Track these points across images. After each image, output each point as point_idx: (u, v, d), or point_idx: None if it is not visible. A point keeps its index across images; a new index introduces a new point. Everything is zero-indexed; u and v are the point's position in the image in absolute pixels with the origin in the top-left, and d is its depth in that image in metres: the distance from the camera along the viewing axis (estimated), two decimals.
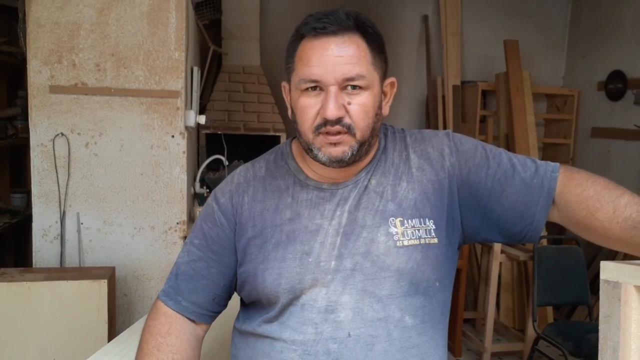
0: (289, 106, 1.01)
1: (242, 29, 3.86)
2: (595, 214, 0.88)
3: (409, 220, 0.97)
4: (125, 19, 2.44)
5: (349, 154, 0.94)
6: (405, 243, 0.95)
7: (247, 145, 3.71)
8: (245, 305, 1.09)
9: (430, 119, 4.36)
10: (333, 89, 0.91)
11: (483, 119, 4.24)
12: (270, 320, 0.99)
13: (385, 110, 1.01)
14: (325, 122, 0.91)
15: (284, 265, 0.96)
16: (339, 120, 0.91)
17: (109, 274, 2.22)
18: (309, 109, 0.93)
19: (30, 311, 2.09)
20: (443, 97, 4.22)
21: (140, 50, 2.46)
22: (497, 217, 0.99)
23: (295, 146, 1.07)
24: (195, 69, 2.82)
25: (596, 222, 0.88)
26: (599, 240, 0.91)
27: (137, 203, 2.52)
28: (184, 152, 2.54)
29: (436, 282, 0.98)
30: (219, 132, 3.28)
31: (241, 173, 1.09)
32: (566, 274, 2.77)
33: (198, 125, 2.96)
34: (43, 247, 2.47)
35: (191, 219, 2.79)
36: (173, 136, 2.53)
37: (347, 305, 0.94)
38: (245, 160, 3.50)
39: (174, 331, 1.02)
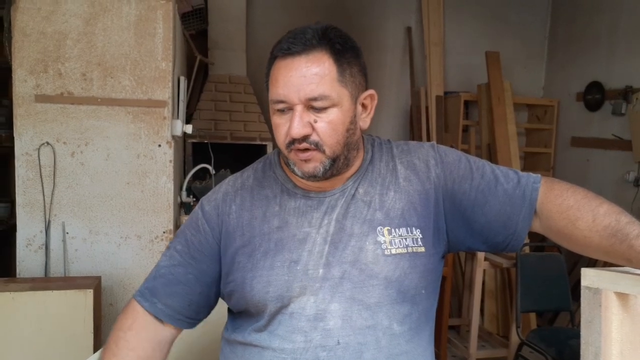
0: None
1: (228, 39, 3.87)
2: (575, 223, 0.91)
3: (397, 230, 0.98)
4: (112, 28, 2.44)
5: (321, 170, 0.96)
6: (393, 252, 0.97)
7: (233, 154, 3.71)
8: (233, 314, 1.09)
9: (414, 129, 4.41)
10: (299, 108, 0.92)
11: (465, 129, 4.30)
12: (259, 330, 0.99)
13: (365, 123, 1.01)
14: (293, 141, 0.94)
15: (272, 273, 0.97)
16: (305, 138, 0.93)
17: (94, 284, 2.21)
18: (280, 127, 0.96)
19: (15, 322, 2.07)
20: (426, 107, 4.28)
21: (127, 60, 2.47)
22: (480, 227, 1.02)
23: (282, 155, 1.08)
24: (182, 78, 2.83)
25: (576, 230, 0.90)
26: (580, 249, 0.93)
27: (124, 212, 2.51)
28: (170, 161, 2.54)
29: (422, 289, 0.99)
30: (206, 141, 3.28)
31: (229, 182, 1.09)
32: (548, 281, 2.82)
33: (184, 134, 2.96)
34: (27, 256, 2.44)
35: (177, 227, 2.79)
36: (160, 145, 2.53)
37: (336, 313, 0.94)
38: (232, 169, 3.52)
39: (135, 327, 1.02)
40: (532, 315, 3.48)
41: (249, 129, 3.84)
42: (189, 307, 1.05)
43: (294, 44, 0.93)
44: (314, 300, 0.95)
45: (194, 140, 3.61)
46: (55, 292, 2.12)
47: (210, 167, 3.05)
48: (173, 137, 2.57)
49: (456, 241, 1.05)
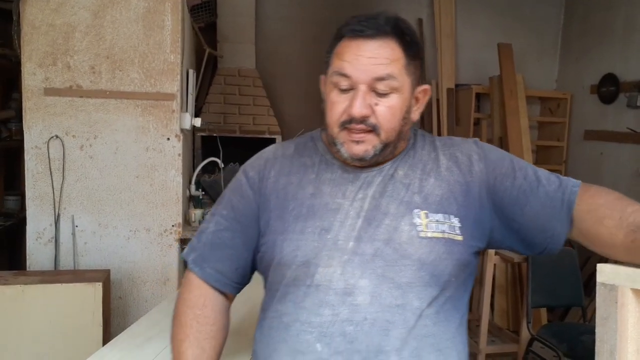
0: (323, 98, 1.03)
1: (238, 32, 3.86)
2: (603, 221, 0.90)
3: (434, 214, 0.98)
4: (121, 21, 2.44)
5: (372, 153, 0.97)
6: (429, 235, 0.96)
7: (242, 148, 3.69)
8: (265, 292, 1.09)
9: (424, 122, 4.38)
10: (362, 88, 0.94)
11: (477, 122, 4.26)
12: (285, 300, 0.99)
13: (415, 116, 1.03)
14: (351, 120, 0.95)
15: (302, 237, 0.98)
16: (364, 120, 0.94)
17: (103, 277, 2.21)
18: (337, 105, 0.97)
19: (25, 314, 2.08)
20: (437, 100, 4.24)
21: (136, 53, 2.46)
22: (518, 227, 1.00)
23: (324, 134, 1.08)
24: (191, 71, 2.82)
25: (603, 228, 0.89)
26: (605, 249, 0.92)
27: (132, 205, 2.51)
28: (179, 155, 2.54)
29: (453, 277, 0.98)
30: (215, 135, 3.28)
31: (271, 150, 1.12)
32: (560, 276, 2.79)
33: (193, 127, 2.95)
34: (37, 249, 2.45)
35: (186, 221, 2.79)
36: (168, 139, 2.52)
37: (365, 290, 0.93)
38: (241, 163, 3.51)
39: (209, 303, 1.05)
40: (543, 311, 3.45)
41: (258, 123, 3.83)
42: (236, 272, 1.07)
43: (367, 27, 0.94)
44: (341, 272, 0.94)
45: (203, 134, 3.61)
46: (64, 285, 2.13)
47: (219, 161, 3.05)
48: (182, 130, 2.57)
49: (497, 238, 1.04)
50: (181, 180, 2.57)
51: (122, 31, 2.44)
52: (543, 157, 4.56)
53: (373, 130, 0.95)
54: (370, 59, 0.93)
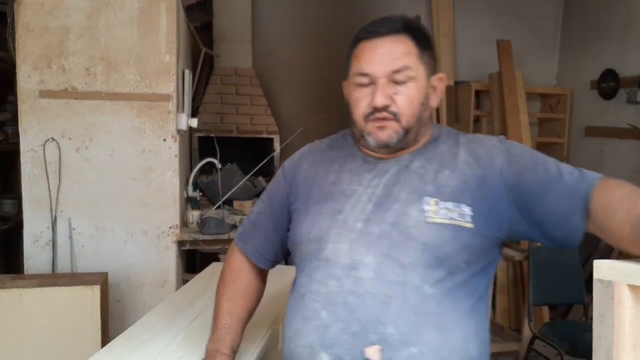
0: (347, 100, 1.14)
1: (234, 32, 3.84)
2: (614, 215, 0.92)
3: (444, 202, 1.03)
4: (115, 23, 2.43)
5: (395, 139, 1.06)
6: (437, 220, 1.01)
7: (240, 148, 3.69)
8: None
9: None
10: (381, 81, 1.04)
11: (477, 119, 4.24)
12: (302, 274, 1.11)
13: (434, 102, 1.12)
14: (374, 110, 1.05)
15: (317, 217, 1.10)
16: (385, 108, 1.04)
17: (101, 280, 2.20)
18: (361, 100, 1.07)
19: (22, 318, 2.08)
20: None
21: (131, 54, 2.45)
22: (539, 219, 1.03)
23: (355, 129, 1.17)
24: (187, 71, 2.80)
25: (614, 223, 0.92)
26: (617, 243, 0.94)
27: (129, 208, 2.50)
28: (175, 156, 2.53)
29: (462, 262, 1.02)
30: (212, 135, 3.26)
31: (308, 146, 1.28)
32: (561, 274, 2.77)
33: (190, 128, 2.94)
34: (34, 253, 2.44)
35: (184, 223, 2.78)
36: (165, 140, 2.51)
37: (369, 266, 1.01)
38: (239, 163, 3.50)
39: (245, 270, 1.26)
40: (545, 309, 3.43)
41: (256, 122, 3.81)
42: (270, 249, 1.24)
43: (380, 27, 1.06)
44: (348, 249, 1.03)
45: (200, 134, 3.60)
46: (62, 288, 2.13)
47: (216, 161, 3.03)
48: (178, 131, 2.56)
49: (518, 230, 1.07)
50: (178, 182, 2.56)
51: (116, 33, 2.43)
52: (543, 153, 4.53)
53: (394, 117, 1.05)
54: (386, 55, 1.04)
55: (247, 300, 1.24)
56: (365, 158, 1.13)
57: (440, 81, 1.12)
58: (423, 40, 1.07)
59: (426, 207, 1.02)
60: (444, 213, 1.02)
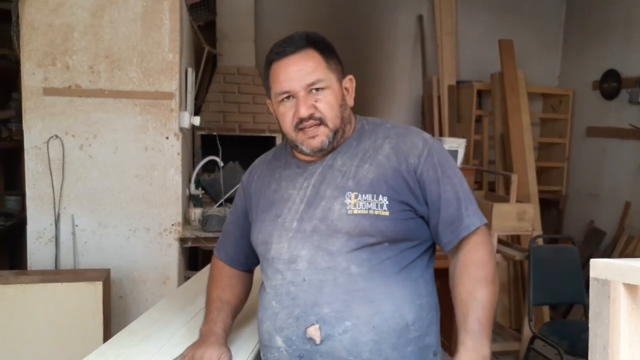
0: (275, 117, 1.26)
1: (237, 30, 3.85)
2: (455, 289, 1.19)
3: (363, 195, 1.17)
4: (119, 21, 2.44)
5: (326, 142, 1.20)
6: (356, 212, 1.16)
7: (242, 146, 3.70)
8: None
9: (425, 119, 4.37)
10: (301, 94, 1.18)
11: (478, 119, 4.25)
12: (262, 272, 1.29)
13: (350, 101, 1.26)
14: (301, 120, 1.18)
15: (264, 224, 1.26)
16: (311, 116, 1.18)
17: (104, 276, 2.22)
18: (287, 114, 1.20)
19: (25, 314, 2.09)
20: (438, 97, 4.22)
21: (134, 52, 2.46)
22: (431, 225, 1.23)
23: (290, 140, 1.30)
24: (190, 70, 2.81)
25: (454, 288, 1.19)
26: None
27: (132, 205, 2.51)
28: (178, 154, 2.54)
29: (385, 243, 1.17)
30: (214, 133, 3.27)
31: (259, 158, 1.41)
32: (562, 274, 2.77)
33: (193, 126, 2.95)
34: (38, 249, 2.46)
35: (186, 220, 2.79)
36: (167, 138, 2.52)
37: (304, 258, 1.18)
38: (241, 162, 3.51)
39: (226, 267, 1.41)
40: (545, 309, 3.44)
41: (258, 121, 3.82)
42: (242, 254, 1.39)
43: (287, 47, 1.19)
44: (288, 246, 1.20)
45: (203, 133, 3.61)
46: (65, 284, 2.14)
47: (218, 160, 3.04)
48: (181, 129, 2.57)
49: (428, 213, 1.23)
50: (180, 179, 2.57)
51: (120, 31, 2.44)
52: (545, 154, 4.54)
53: (321, 122, 1.18)
54: (299, 71, 1.17)
55: (233, 288, 1.38)
56: (298, 164, 1.27)
57: (351, 82, 1.26)
58: (327, 50, 1.21)
59: (347, 201, 1.17)
60: (362, 205, 1.16)
